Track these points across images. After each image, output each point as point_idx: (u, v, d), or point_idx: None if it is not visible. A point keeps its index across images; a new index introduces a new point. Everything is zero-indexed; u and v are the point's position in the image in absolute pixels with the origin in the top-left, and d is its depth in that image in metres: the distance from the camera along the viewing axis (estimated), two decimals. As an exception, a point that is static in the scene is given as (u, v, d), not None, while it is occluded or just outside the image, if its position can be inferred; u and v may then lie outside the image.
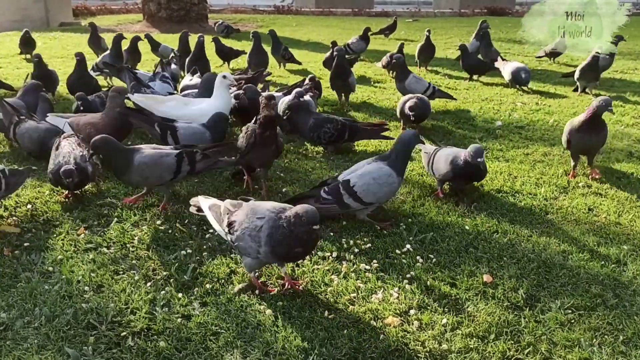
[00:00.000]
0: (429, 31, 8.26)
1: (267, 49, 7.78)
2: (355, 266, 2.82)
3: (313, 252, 2.79)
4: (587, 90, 6.65)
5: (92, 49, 8.67)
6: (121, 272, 2.73)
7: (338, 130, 4.25)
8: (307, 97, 4.87)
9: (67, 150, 3.46)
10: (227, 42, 9.45)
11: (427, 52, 8.14)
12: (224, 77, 4.39)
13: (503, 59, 7.51)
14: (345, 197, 3.10)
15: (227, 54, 8.18)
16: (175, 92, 5.47)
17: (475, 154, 3.40)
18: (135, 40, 7.63)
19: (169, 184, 3.36)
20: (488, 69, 7.41)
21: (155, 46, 8.26)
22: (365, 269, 2.79)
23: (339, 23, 15.65)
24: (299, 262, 2.85)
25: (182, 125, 3.98)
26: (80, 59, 5.53)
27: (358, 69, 8.22)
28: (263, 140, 3.44)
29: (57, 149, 3.52)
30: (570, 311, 2.48)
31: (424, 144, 3.54)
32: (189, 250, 2.92)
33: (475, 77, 7.52)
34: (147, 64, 7.95)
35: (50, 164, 3.45)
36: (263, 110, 3.45)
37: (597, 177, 3.96)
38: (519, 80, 6.72)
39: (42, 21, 13.98)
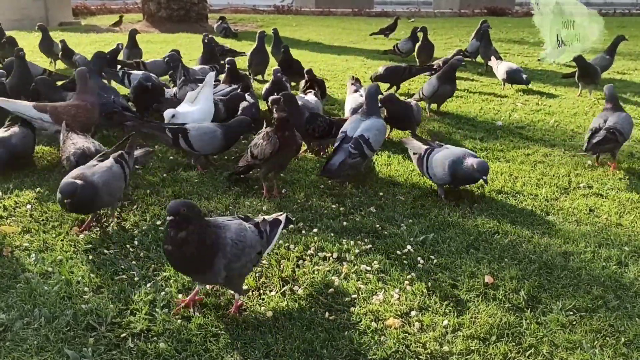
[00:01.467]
0: (424, 29, 8.24)
1: (267, 48, 7.75)
2: (355, 267, 2.81)
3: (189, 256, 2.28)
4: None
5: (43, 53, 8.00)
6: (121, 273, 2.71)
7: (328, 124, 4.22)
8: (310, 97, 4.87)
9: (84, 139, 3.59)
10: (226, 42, 9.45)
11: (426, 50, 8.15)
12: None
13: (498, 59, 7.51)
14: (365, 149, 3.71)
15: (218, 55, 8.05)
16: None
17: (481, 171, 3.34)
18: (133, 33, 7.52)
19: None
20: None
21: (69, 54, 7.20)
22: (365, 270, 2.78)
23: (339, 23, 15.65)
24: (299, 262, 2.85)
25: (192, 126, 3.93)
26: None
27: (359, 68, 8.22)
28: (285, 142, 3.46)
29: (68, 138, 3.63)
30: (571, 313, 2.47)
31: (382, 94, 4.15)
32: (189, 251, 2.91)
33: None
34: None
35: (66, 151, 3.53)
36: (275, 113, 3.45)
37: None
38: (518, 79, 6.70)
39: (41, 20, 13.87)
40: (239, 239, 2.32)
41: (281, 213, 2.68)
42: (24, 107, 4.01)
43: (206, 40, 7.00)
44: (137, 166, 3.81)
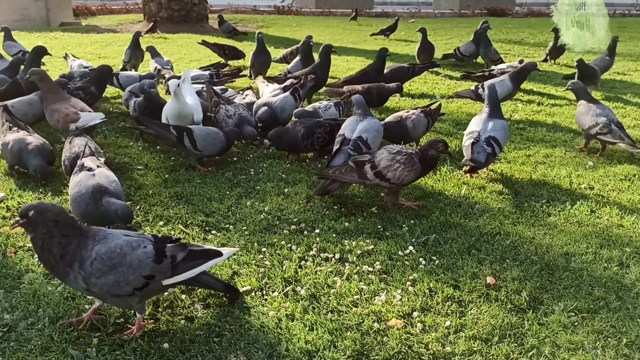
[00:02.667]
0: (423, 30, 8.23)
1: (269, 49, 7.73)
2: (358, 268, 2.82)
3: None
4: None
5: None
6: (124, 274, 2.72)
7: (328, 133, 4.13)
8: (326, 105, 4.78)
9: (83, 142, 3.61)
10: (228, 42, 9.43)
11: (426, 51, 8.15)
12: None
13: (498, 59, 7.51)
14: (364, 150, 3.72)
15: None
16: None
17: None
18: (137, 35, 7.55)
19: None
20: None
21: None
22: (368, 270, 2.79)
23: (339, 23, 15.65)
24: (301, 263, 2.86)
25: (196, 127, 4.02)
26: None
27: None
28: (424, 171, 3.45)
29: (67, 142, 3.69)
30: (573, 314, 2.48)
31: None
32: (192, 252, 2.92)
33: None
34: (147, 64, 7.91)
35: (64, 154, 3.62)
36: (429, 149, 3.39)
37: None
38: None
39: (42, 21, 13.97)
40: (109, 254, 2.14)
41: (233, 250, 2.60)
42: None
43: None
44: None
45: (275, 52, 8.33)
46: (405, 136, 4.33)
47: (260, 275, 2.74)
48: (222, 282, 2.54)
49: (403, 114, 4.44)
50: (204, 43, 8.26)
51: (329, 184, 3.51)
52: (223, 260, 2.81)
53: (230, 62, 8.08)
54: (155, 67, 6.55)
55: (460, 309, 2.52)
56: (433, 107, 4.70)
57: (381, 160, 3.36)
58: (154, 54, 6.76)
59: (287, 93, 4.82)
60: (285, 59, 7.69)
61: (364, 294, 2.60)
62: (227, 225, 3.23)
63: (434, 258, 2.92)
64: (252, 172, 4.03)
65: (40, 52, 5.54)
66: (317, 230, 3.18)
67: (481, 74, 6.75)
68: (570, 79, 7.02)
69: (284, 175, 3.98)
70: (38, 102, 4.40)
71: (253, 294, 2.60)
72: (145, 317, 2.37)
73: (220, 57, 8.07)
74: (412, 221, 3.31)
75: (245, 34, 11.98)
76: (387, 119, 4.47)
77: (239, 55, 8.10)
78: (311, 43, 6.42)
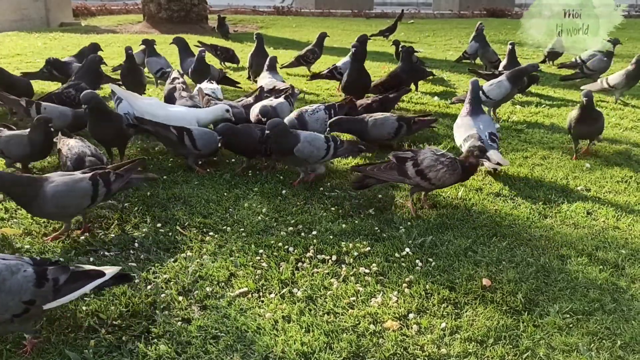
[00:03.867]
0: (396, 42, 8.22)
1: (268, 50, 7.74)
2: (354, 270, 2.83)
3: None
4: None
5: None
6: (121, 275, 2.73)
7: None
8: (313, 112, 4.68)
9: (80, 144, 3.64)
10: (227, 43, 9.45)
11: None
12: (227, 111, 4.36)
13: (497, 60, 7.51)
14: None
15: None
16: None
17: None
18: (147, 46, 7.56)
19: (84, 211, 3.09)
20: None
21: None
22: (364, 272, 2.80)
23: (339, 24, 15.65)
24: (298, 264, 2.87)
25: (194, 127, 4.12)
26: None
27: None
28: (464, 175, 3.45)
29: (64, 144, 3.69)
30: (568, 315, 2.49)
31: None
32: (189, 253, 2.94)
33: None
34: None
35: (62, 156, 3.63)
36: (467, 158, 3.39)
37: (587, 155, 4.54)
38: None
39: (42, 21, 13.97)
40: None
41: (116, 269, 2.36)
42: None
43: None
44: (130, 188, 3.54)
45: (274, 53, 8.32)
46: (362, 133, 4.31)
47: (257, 276, 2.75)
48: (109, 280, 2.34)
49: (375, 114, 4.47)
50: (201, 44, 8.28)
51: (366, 178, 3.49)
52: (220, 262, 2.84)
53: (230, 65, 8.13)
54: (160, 68, 6.56)
55: (456, 310, 2.53)
56: (423, 118, 4.74)
57: (424, 159, 3.35)
58: (151, 52, 6.76)
59: (282, 99, 4.88)
60: (306, 59, 7.68)
61: (360, 296, 2.61)
62: (225, 227, 3.24)
63: (431, 260, 2.93)
64: (249, 174, 4.04)
65: None
66: (314, 232, 3.19)
67: (491, 72, 6.75)
68: (568, 80, 7.06)
69: (281, 177, 3.99)
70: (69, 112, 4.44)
71: (250, 295, 2.61)
72: (37, 335, 2.27)
73: (214, 57, 8.14)
74: (409, 223, 3.32)
75: (236, 31, 12.05)
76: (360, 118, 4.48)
77: (233, 59, 8.12)
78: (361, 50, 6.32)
